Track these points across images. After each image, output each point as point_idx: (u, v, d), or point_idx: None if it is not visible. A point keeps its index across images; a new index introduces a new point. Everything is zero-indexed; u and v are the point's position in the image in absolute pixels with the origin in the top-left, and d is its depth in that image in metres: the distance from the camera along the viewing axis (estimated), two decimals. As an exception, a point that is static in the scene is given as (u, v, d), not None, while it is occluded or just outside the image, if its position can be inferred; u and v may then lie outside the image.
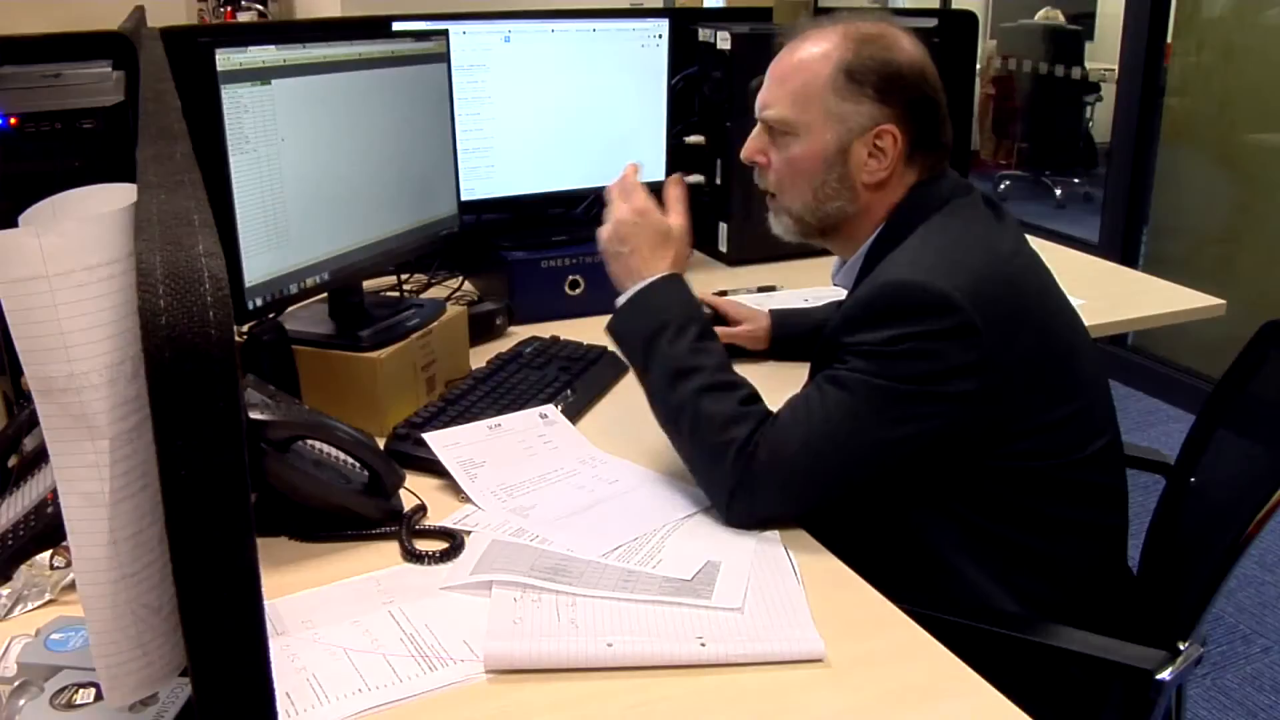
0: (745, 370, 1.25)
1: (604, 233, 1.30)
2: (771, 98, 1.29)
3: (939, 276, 1.14)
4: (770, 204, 1.35)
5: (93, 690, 0.80)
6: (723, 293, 2.03)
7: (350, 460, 1.20)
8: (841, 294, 1.50)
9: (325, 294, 1.49)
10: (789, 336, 1.67)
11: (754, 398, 1.21)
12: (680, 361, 1.21)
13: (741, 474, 1.16)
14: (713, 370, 1.20)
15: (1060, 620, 1.17)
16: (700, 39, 2.19)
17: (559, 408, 1.45)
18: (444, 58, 1.64)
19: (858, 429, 1.15)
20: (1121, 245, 3.83)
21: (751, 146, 1.33)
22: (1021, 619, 1.20)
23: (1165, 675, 1.09)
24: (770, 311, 1.71)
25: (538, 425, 1.40)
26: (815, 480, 1.16)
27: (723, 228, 2.22)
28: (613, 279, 1.30)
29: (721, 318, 1.69)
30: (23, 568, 1.05)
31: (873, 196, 1.26)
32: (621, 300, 1.28)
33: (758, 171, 1.34)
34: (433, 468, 1.31)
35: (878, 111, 1.23)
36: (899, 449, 1.16)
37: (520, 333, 1.78)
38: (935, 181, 1.27)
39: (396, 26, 1.77)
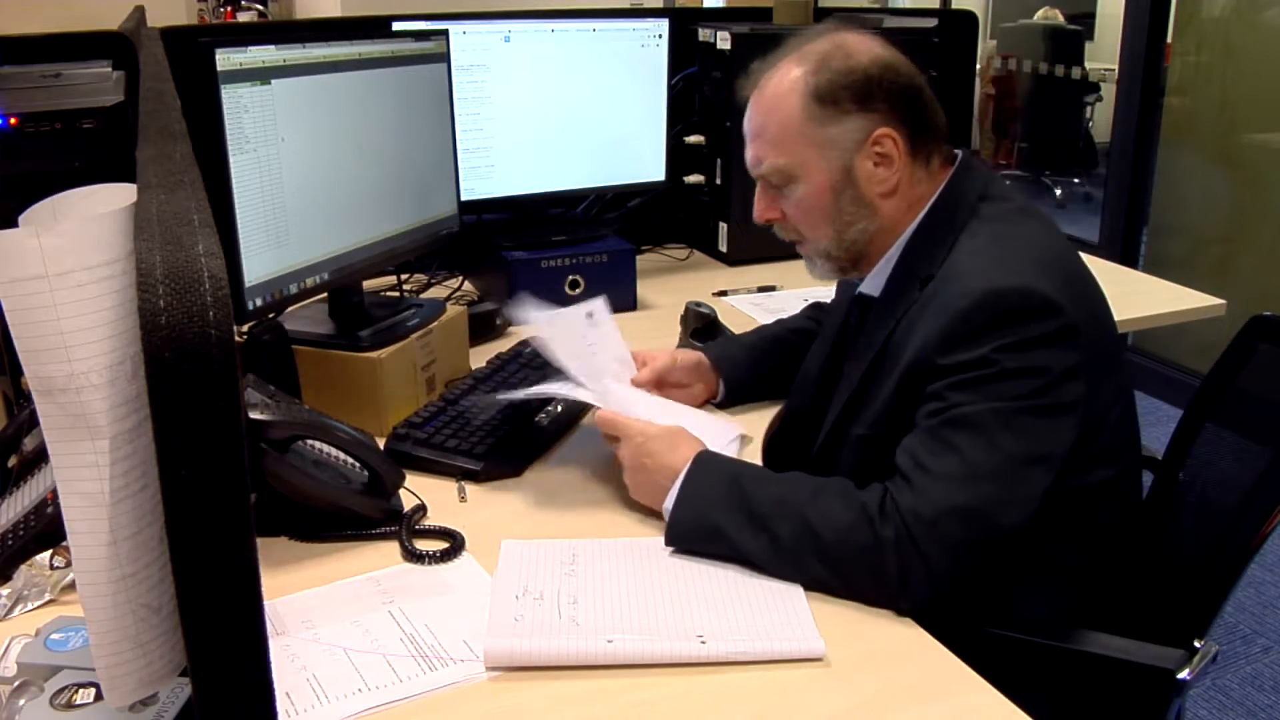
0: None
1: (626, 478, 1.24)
2: (758, 153, 1.25)
3: (1034, 278, 1.10)
4: (801, 250, 1.31)
5: (93, 690, 0.80)
6: (722, 293, 2.03)
7: (350, 460, 1.20)
8: (830, 292, 1.49)
9: (325, 294, 1.49)
10: (740, 381, 1.53)
11: (833, 493, 1.11)
12: (763, 522, 1.10)
13: (906, 560, 1.04)
14: (785, 511, 1.09)
15: (1080, 622, 1.16)
16: (700, 39, 2.19)
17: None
18: (444, 58, 1.64)
19: (1007, 459, 1.07)
20: (1121, 245, 3.83)
21: (760, 207, 1.28)
22: (1039, 624, 1.17)
23: (1185, 674, 1.09)
24: (711, 359, 1.52)
25: (583, 324, 1.41)
26: (988, 526, 1.07)
27: (723, 228, 2.22)
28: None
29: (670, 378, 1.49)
30: (23, 568, 1.05)
31: (891, 205, 1.22)
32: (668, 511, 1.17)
33: (777, 226, 1.30)
34: (433, 468, 1.31)
35: (865, 121, 1.19)
36: (1053, 464, 1.10)
37: (520, 333, 1.78)
38: (965, 175, 1.23)
39: (396, 26, 1.77)
